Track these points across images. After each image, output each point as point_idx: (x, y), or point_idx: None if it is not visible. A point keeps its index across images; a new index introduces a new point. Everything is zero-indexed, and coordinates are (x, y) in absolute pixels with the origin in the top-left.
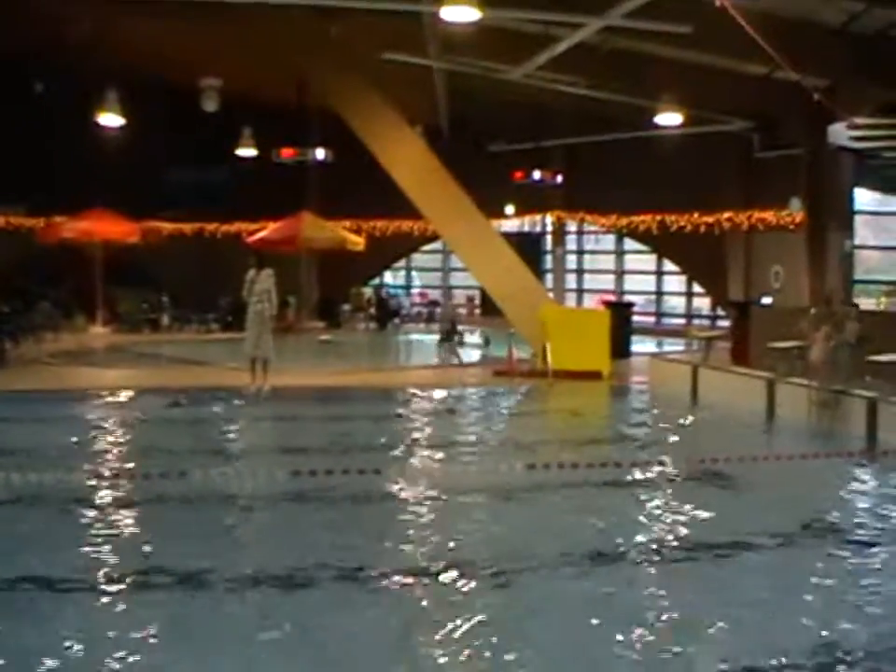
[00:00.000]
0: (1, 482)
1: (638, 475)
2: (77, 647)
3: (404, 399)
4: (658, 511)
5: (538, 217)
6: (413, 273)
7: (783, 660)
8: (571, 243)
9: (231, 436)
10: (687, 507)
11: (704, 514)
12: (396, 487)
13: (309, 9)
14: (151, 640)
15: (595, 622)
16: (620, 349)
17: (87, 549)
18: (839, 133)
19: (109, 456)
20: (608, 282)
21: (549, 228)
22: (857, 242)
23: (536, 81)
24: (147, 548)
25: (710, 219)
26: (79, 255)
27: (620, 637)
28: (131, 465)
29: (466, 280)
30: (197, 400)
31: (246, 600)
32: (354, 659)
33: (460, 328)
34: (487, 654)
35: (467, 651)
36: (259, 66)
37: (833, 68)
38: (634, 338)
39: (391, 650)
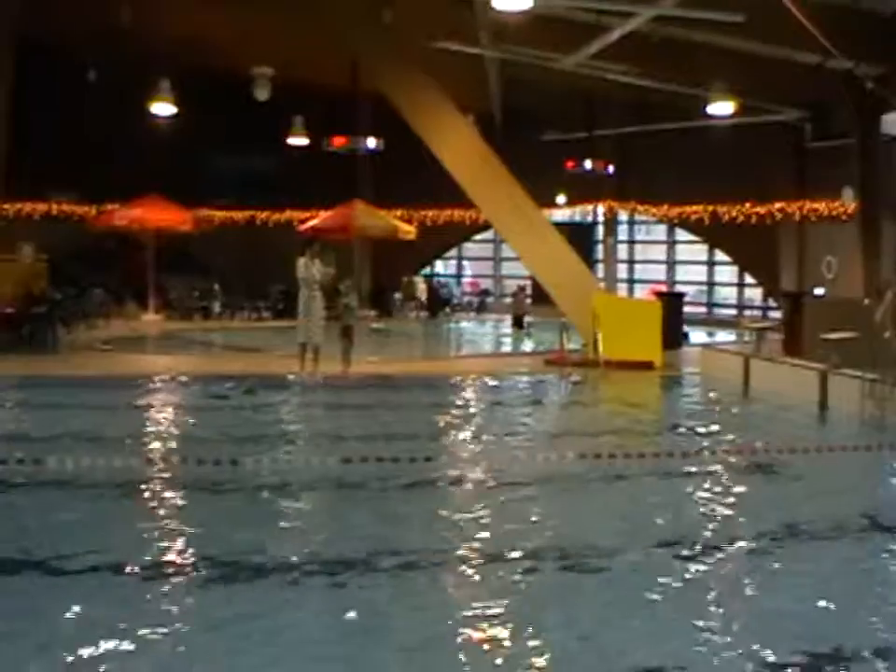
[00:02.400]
0: (54, 466)
1: (691, 466)
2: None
3: (456, 388)
4: (710, 502)
5: (589, 207)
6: (465, 262)
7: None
8: (622, 232)
9: (284, 422)
10: (738, 497)
11: (755, 505)
12: (446, 475)
13: None
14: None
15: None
16: (671, 339)
17: (138, 534)
18: (893, 122)
19: (160, 442)
20: (659, 272)
21: (600, 217)
22: None
23: (588, 70)
24: (198, 534)
25: (762, 210)
26: (131, 242)
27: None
28: (182, 451)
29: (517, 269)
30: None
31: (301, 588)
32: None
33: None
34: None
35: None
36: (311, 55)
37: (886, 57)
38: (685, 328)
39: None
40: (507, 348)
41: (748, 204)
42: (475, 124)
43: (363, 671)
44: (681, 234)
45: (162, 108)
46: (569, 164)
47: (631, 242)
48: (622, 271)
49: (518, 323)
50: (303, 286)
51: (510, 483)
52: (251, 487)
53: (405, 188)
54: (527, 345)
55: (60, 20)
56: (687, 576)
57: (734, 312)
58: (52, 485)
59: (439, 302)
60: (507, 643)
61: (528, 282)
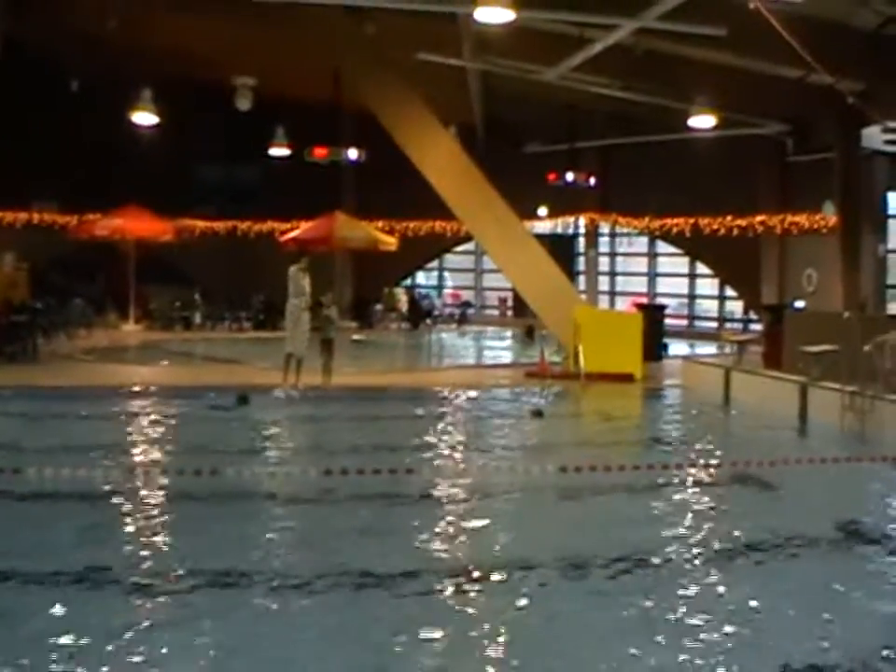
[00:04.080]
0: (34, 476)
1: (672, 478)
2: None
3: (435, 400)
4: (691, 515)
5: (571, 219)
6: (446, 274)
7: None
8: (604, 245)
9: (265, 434)
10: (720, 510)
11: (737, 518)
12: (428, 487)
13: (344, 9)
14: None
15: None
16: (652, 352)
17: (114, 545)
18: (873, 136)
19: (139, 452)
20: (640, 284)
21: (582, 230)
22: (890, 246)
23: (570, 83)
24: (177, 546)
25: (744, 223)
26: (112, 252)
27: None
28: (163, 461)
29: (499, 281)
30: (230, 398)
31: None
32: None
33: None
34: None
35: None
36: (294, 66)
37: (867, 72)
38: (666, 340)
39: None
40: (487, 360)
41: (729, 217)
42: (457, 136)
43: None
44: (663, 247)
45: (144, 118)
46: (551, 176)
47: (612, 254)
48: (603, 283)
49: (529, 334)
50: (292, 295)
51: (487, 496)
52: (231, 497)
53: (387, 199)
54: (521, 357)
55: (43, 28)
56: (665, 587)
57: (714, 324)
58: (29, 497)
59: (420, 314)
60: None
61: (510, 294)
